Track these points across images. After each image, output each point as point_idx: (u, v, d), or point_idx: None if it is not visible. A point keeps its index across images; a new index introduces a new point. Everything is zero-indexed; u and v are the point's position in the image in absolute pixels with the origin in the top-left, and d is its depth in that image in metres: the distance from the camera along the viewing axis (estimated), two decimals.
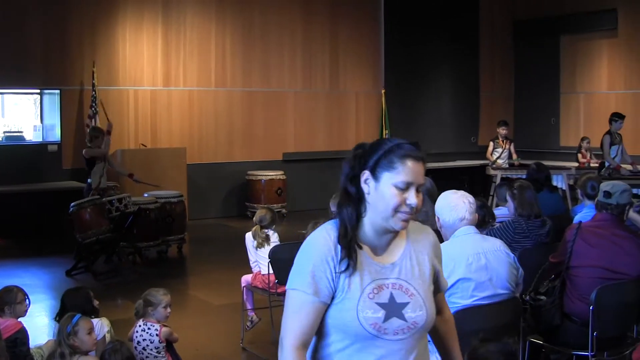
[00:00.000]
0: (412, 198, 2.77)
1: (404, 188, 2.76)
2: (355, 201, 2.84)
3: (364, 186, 2.82)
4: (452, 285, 4.78)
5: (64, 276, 10.76)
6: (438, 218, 5.05)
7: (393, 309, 2.82)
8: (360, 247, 2.84)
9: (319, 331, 2.88)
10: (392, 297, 2.83)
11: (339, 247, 2.80)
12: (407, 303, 2.84)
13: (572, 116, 19.14)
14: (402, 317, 2.82)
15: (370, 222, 2.85)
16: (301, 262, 2.86)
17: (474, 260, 4.92)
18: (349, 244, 2.80)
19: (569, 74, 19.13)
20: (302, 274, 2.81)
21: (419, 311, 2.86)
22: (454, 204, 4.96)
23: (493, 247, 5.05)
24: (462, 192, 5.04)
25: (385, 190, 2.77)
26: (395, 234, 2.91)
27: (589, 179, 7.34)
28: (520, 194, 6.67)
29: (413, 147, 2.80)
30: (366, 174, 2.80)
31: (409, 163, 2.76)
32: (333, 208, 5.97)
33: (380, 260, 2.88)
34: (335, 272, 2.79)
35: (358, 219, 2.85)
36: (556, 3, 19.08)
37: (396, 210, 2.77)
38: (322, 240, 2.85)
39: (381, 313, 2.79)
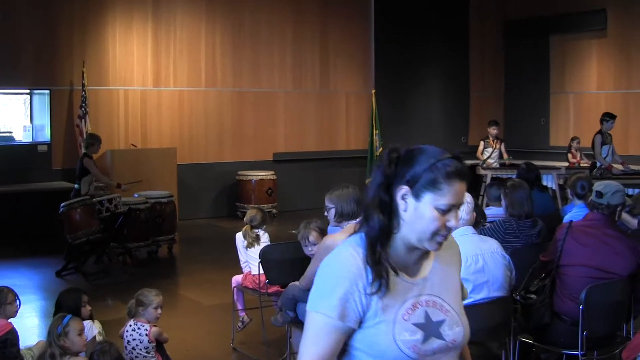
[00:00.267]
0: (453, 220, 2.55)
1: (447, 210, 2.53)
2: (387, 213, 2.57)
3: (400, 202, 2.55)
4: None
5: (54, 277, 10.74)
6: None
7: (430, 328, 2.59)
8: (391, 265, 2.57)
9: (342, 358, 2.63)
10: (427, 316, 2.59)
11: (368, 266, 2.53)
12: (444, 320, 2.62)
13: (562, 116, 19.19)
14: (440, 337, 2.59)
15: (402, 239, 2.59)
16: (326, 284, 2.57)
17: (472, 262, 4.94)
18: (380, 263, 2.53)
19: (559, 74, 19.18)
20: (328, 297, 2.52)
21: (456, 327, 2.64)
22: None
23: (490, 248, 5.07)
24: None
25: (425, 212, 2.52)
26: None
27: (578, 178, 7.36)
28: (511, 193, 6.66)
29: (458, 164, 2.55)
30: (404, 190, 2.54)
31: (456, 184, 2.52)
32: (329, 204, 5.96)
33: (411, 277, 2.63)
34: (366, 295, 2.51)
35: (389, 234, 2.59)
36: (546, 3, 19.12)
37: (435, 233, 2.54)
38: (349, 259, 2.55)
39: (419, 334, 2.55)
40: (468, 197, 5.00)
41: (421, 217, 2.53)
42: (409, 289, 2.60)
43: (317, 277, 2.62)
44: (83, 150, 11.94)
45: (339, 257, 2.59)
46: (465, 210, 4.96)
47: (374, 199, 2.58)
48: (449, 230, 2.56)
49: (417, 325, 2.56)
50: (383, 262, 2.54)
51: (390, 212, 2.57)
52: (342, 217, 5.89)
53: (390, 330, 2.53)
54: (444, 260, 2.77)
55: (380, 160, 2.63)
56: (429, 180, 2.51)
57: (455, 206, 2.54)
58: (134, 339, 5.84)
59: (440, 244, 2.58)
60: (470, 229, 5.01)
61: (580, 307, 5.21)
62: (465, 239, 4.94)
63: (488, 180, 14.83)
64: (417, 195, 2.52)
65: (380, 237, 2.55)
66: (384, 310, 2.53)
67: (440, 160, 2.52)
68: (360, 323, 2.54)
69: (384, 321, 2.53)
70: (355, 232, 2.67)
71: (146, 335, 5.82)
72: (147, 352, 5.83)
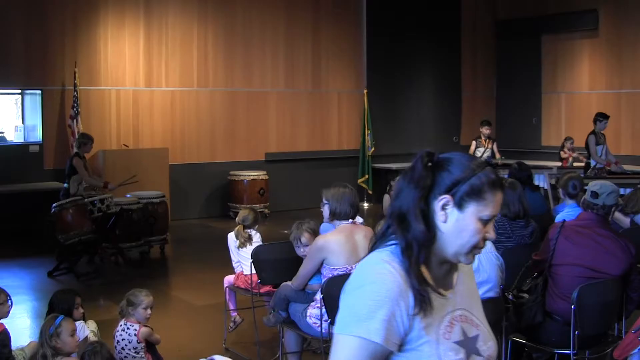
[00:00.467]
0: (492, 232, 2.42)
1: (488, 221, 2.39)
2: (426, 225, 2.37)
3: (439, 213, 2.38)
4: None
5: (46, 277, 10.71)
6: None
7: (469, 345, 2.43)
8: (428, 280, 2.40)
9: None
10: (464, 332, 2.43)
11: (410, 284, 2.31)
12: (478, 335, 2.47)
13: (554, 116, 19.23)
14: (478, 353, 2.45)
15: (436, 252, 2.41)
16: (364, 304, 2.28)
17: None
18: (422, 280, 2.34)
19: (550, 73, 19.22)
20: (368, 319, 2.25)
21: (488, 342, 2.50)
22: None
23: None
24: None
25: (469, 224, 2.37)
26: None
27: (570, 178, 7.37)
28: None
29: (496, 172, 2.43)
30: (445, 200, 2.37)
31: (497, 193, 2.39)
32: (324, 200, 5.98)
33: (443, 292, 2.45)
34: (408, 315, 2.30)
35: (429, 247, 2.40)
36: (537, 3, 19.17)
37: (474, 247, 2.40)
38: (388, 276, 2.31)
39: (462, 353, 2.39)
40: None
41: (463, 229, 2.38)
42: (445, 305, 2.43)
43: (350, 297, 2.35)
44: (75, 150, 11.90)
45: (376, 274, 2.34)
46: None
47: (414, 209, 2.37)
48: (485, 243, 2.44)
49: (458, 343, 2.40)
50: (425, 278, 2.37)
51: (426, 224, 2.38)
52: (335, 216, 5.91)
53: (434, 351, 2.35)
54: (465, 271, 2.60)
55: (412, 168, 2.42)
56: (474, 189, 2.37)
57: (494, 217, 2.42)
58: (123, 339, 5.83)
59: (474, 257, 2.45)
60: None
61: (572, 307, 5.22)
62: None
63: None
64: (460, 206, 2.37)
65: (422, 251, 2.36)
66: (426, 330, 2.34)
67: (482, 169, 2.40)
68: (401, 346, 2.33)
69: (428, 342, 2.34)
70: (372, 247, 2.48)
71: (135, 335, 5.81)
72: (137, 353, 5.82)
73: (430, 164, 2.40)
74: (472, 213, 2.37)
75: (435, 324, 2.36)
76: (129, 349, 5.80)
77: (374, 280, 2.31)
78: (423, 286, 2.32)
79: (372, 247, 2.48)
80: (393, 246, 2.39)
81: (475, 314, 2.54)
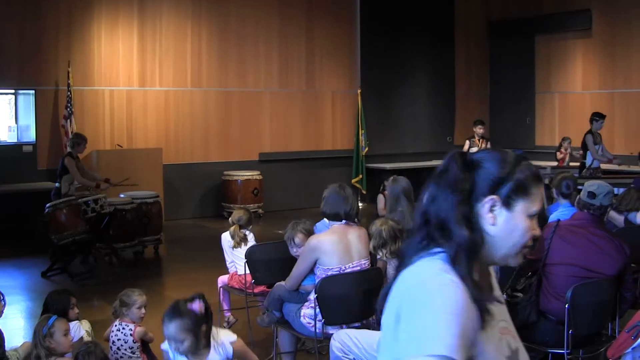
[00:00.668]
0: (537, 228, 2.27)
1: (534, 216, 2.24)
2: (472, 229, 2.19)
3: (487, 216, 2.21)
4: None
5: (39, 277, 10.69)
6: None
7: None
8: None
9: None
10: (509, 346, 2.25)
11: (473, 296, 2.09)
12: (518, 348, 2.30)
13: (547, 116, 19.25)
14: None
15: (484, 257, 2.25)
16: (438, 319, 2.00)
17: None
18: (481, 289, 2.14)
19: (544, 73, 19.25)
20: (446, 335, 1.97)
21: (526, 354, 2.34)
22: None
23: None
24: None
25: (520, 222, 2.22)
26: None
27: (564, 178, 7.38)
28: None
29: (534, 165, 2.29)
30: (492, 200, 2.21)
31: (541, 187, 2.26)
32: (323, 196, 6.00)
33: (498, 300, 2.32)
34: (474, 330, 2.08)
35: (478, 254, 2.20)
36: (531, 3, 19.20)
37: (524, 246, 2.25)
38: (453, 287, 2.07)
39: None
40: None
41: (514, 229, 2.23)
42: (495, 316, 2.23)
43: (415, 314, 2.06)
44: (68, 150, 11.87)
45: (439, 285, 2.09)
46: None
47: (455, 215, 2.18)
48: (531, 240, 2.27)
49: (508, 358, 2.23)
50: (482, 287, 2.17)
51: (471, 229, 2.19)
52: (324, 214, 5.94)
53: None
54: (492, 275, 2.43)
55: (445, 171, 2.25)
56: (520, 185, 2.22)
57: (540, 212, 2.27)
58: (118, 339, 5.82)
59: (523, 257, 2.29)
60: None
61: (567, 306, 5.22)
62: None
63: None
64: (508, 205, 2.22)
65: (473, 257, 2.16)
66: (485, 345, 2.14)
67: (520, 163, 2.25)
68: None
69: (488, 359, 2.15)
70: (406, 259, 2.24)
71: (131, 335, 5.80)
72: (132, 352, 5.81)
73: (467, 167, 2.24)
74: (521, 211, 2.22)
75: (490, 338, 2.17)
76: (125, 349, 5.79)
77: (440, 292, 2.06)
78: (483, 295, 2.13)
79: (406, 259, 2.25)
80: (442, 254, 2.18)
81: (511, 324, 2.38)
